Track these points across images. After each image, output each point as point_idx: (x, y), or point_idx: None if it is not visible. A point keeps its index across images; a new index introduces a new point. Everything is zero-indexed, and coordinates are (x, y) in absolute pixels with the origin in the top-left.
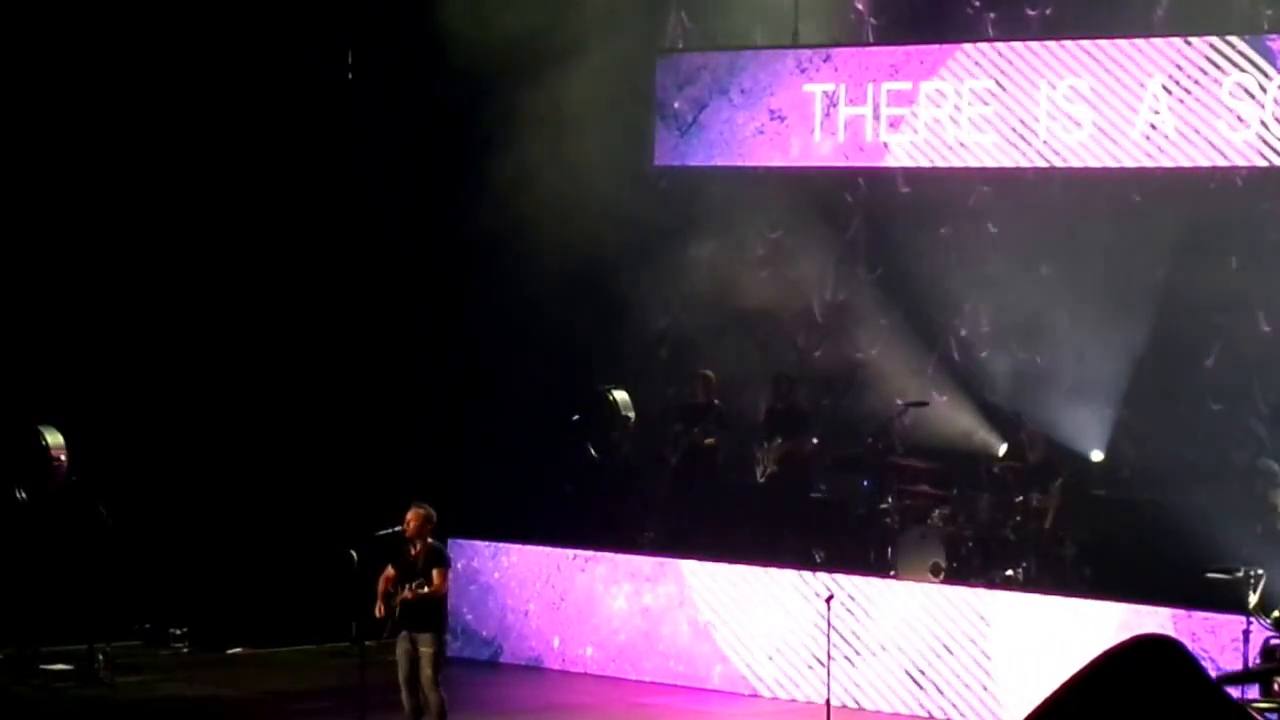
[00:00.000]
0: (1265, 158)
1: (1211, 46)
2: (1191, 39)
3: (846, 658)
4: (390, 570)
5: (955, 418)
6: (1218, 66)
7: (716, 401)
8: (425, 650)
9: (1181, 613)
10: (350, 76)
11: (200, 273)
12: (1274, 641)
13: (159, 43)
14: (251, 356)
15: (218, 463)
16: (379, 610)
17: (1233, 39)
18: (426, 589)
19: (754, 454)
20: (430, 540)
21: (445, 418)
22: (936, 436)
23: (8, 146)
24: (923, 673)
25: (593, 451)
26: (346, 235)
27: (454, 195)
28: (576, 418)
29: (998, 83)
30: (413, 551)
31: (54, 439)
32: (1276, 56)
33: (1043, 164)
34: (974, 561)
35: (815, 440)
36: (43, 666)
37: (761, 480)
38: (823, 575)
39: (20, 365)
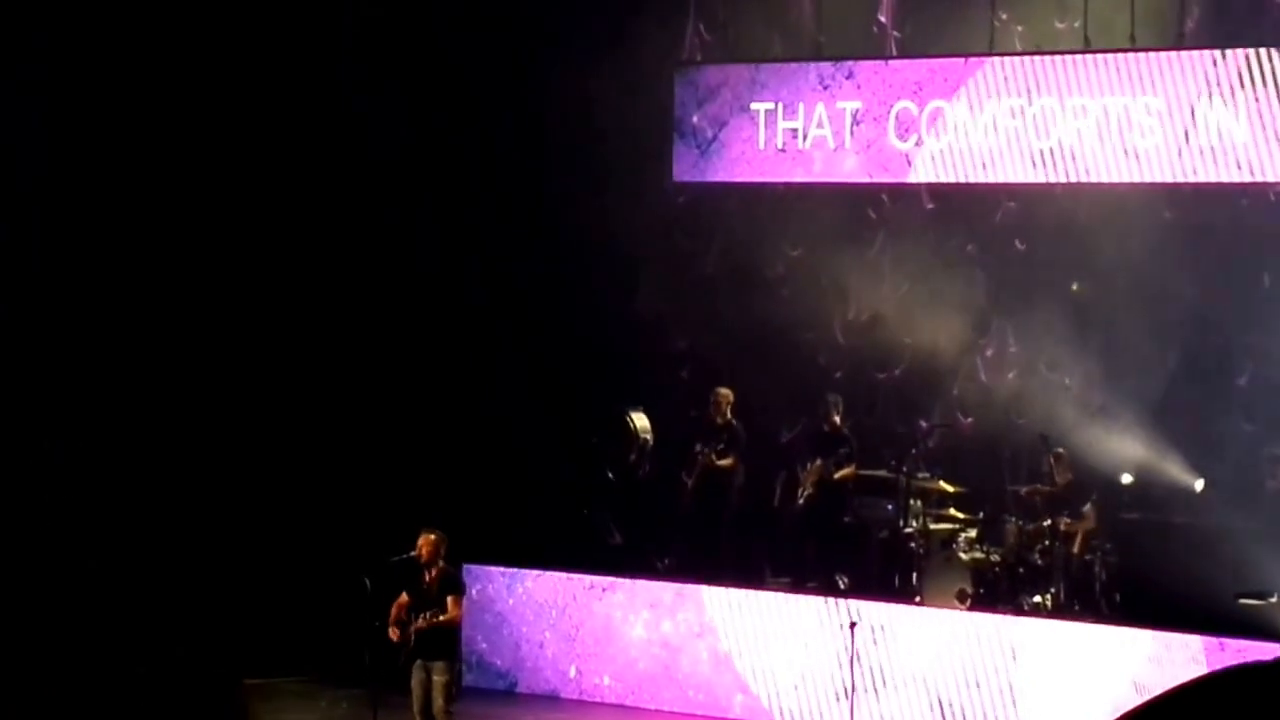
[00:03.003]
0: None
1: (1245, 59)
2: (1224, 52)
3: (874, 689)
4: (404, 597)
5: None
6: (1251, 80)
7: (735, 421)
8: (438, 679)
9: (1213, 641)
10: (358, 88)
11: (208, 290)
12: None
13: (156, 45)
14: (261, 380)
15: (225, 487)
16: (393, 634)
17: (1266, 51)
18: (441, 618)
19: (796, 476)
20: (444, 565)
21: (459, 440)
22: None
23: (6, 150)
24: (945, 703)
25: (610, 475)
26: (356, 252)
27: (467, 213)
28: (594, 440)
29: (1026, 97)
30: (427, 577)
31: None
32: None
33: (1071, 180)
34: (1001, 587)
35: (854, 462)
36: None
37: (801, 504)
38: (847, 602)
39: (24, 388)
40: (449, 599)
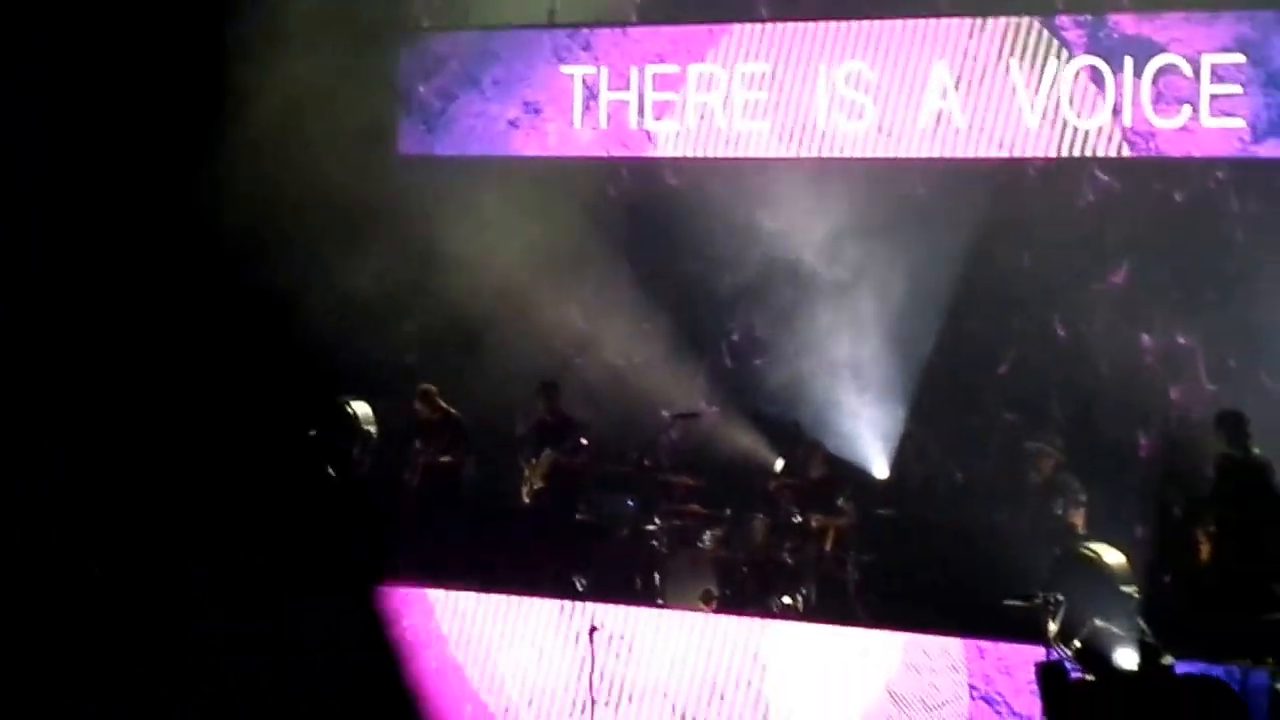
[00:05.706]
0: (1059, 149)
1: (1004, 29)
2: (982, 20)
3: (615, 699)
4: None
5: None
6: (1009, 51)
7: (453, 412)
8: None
9: (974, 644)
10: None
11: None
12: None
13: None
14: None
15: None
16: None
17: (1027, 21)
18: None
19: (520, 471)
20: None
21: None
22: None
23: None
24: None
25: (330, 471)
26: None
27: (180, 183)
28: (313, 433)
29: (773, 66)
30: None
31: None
32: (1071, 42)
33: (821, 154)
34: (749, 588)
35: (588, 451)
36: None
37: (527, 500)
38: (585, 605)
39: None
40: None
